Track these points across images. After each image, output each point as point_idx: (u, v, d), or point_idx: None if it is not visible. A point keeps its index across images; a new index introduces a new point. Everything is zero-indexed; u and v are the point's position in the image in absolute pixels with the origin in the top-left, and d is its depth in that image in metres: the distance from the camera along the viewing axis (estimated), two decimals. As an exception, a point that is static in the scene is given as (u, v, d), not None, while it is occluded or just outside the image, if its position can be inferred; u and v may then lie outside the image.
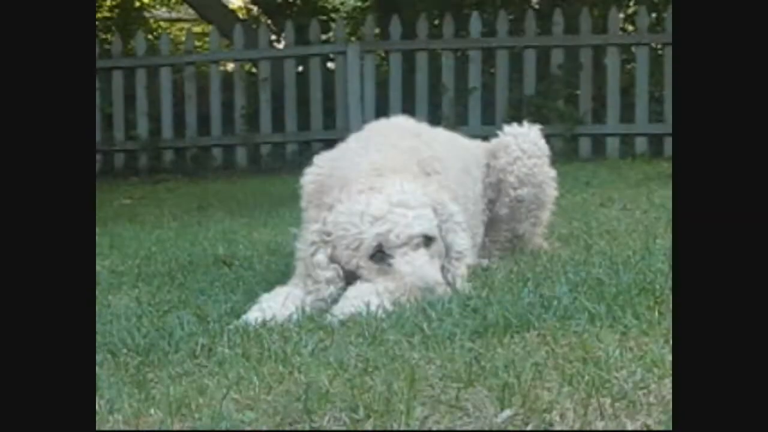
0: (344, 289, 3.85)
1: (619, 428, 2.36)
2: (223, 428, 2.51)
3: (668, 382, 2.58)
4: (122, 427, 2.60)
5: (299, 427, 2.50)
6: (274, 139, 11.08)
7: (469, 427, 2.44)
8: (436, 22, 11.33)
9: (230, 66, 12.16)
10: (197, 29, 15.69)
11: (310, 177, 4.28)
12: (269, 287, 4.03)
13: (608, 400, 2.49)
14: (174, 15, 19.24)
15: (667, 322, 3.07)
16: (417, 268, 3.75)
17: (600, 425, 2.39)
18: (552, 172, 4.83)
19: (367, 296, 3.66)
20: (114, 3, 15.65)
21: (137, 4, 16.78)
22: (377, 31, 11.28)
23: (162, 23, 18.00)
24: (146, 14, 17.41)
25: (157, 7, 19.04)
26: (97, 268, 4.91)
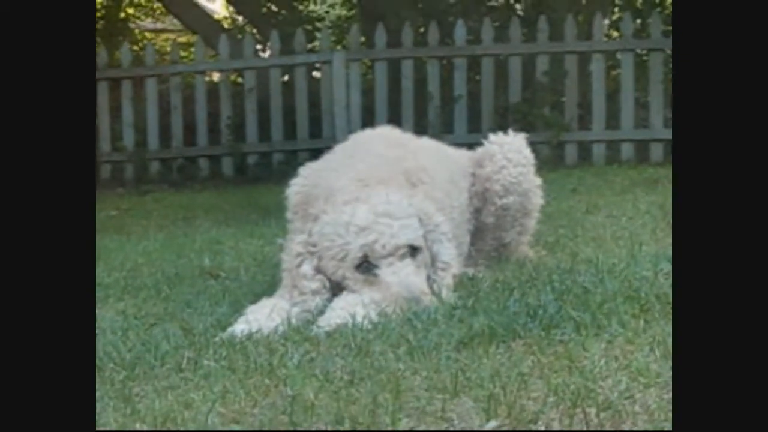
0: (330, 300, 3.85)
1: (605, 438, 2.37)
2: (209, 442, 2.51)
3: (654, 391, 2.59)
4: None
5: (285, 440, 2.51)
6: (260, 148, 11.07)
7: (455, 439, 2.45)
8: (422, 30, 11.34)
9: (216, 76, 12.16)
10: (182, 39, 15.69)
11: (296, 188, 4.29)
12: (255, 299, 4.02)
13: (594, 410, 2.49)
14: (159, 26, 19.23)
15: (653, 331, 3.08)
16: (403, 278, 3.75)
17: (585, 435, 2.39)
18: (537, 180, 4.84)
19: (353, 307, 3.65)
20: (99, 14, 15.62)
21: (122, 15, 16.76)
22: (362, 39, 11.27)
23: (147, 34, 17.98)
24: (131, 25, 17.39)
25: (142, 18, 19.03)
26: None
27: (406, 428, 2.49)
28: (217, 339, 3.53)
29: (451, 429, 2.49)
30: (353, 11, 15.09)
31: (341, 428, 2.51)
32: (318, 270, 3.93)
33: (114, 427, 2.68)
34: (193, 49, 12.45)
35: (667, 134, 9.96)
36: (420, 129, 6.20)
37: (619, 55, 11.01)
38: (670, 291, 3.38)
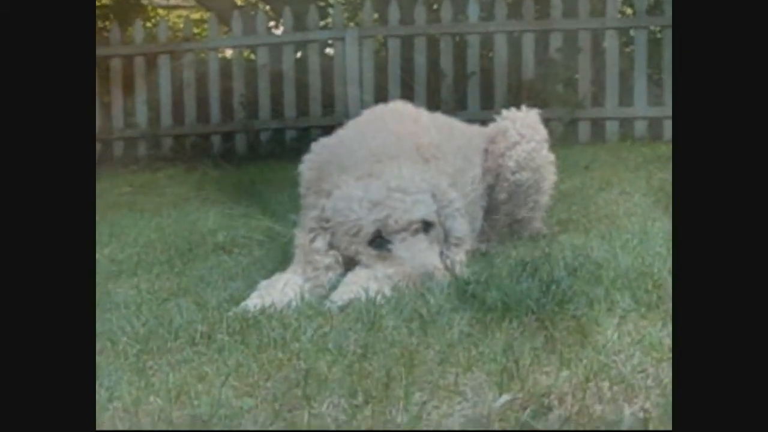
0: (343, 275, 3.86)
1: (618, 412, 2.37)
2: (222, 415, 2.52)
3: (666, 365, 2.59)
4: (122, 415, 2.61)
5: (298, 413, 2.51)
6: (273, 125, 11.06)
7: (468, 412, 2.45)
8: (435, 7, 11.30)
9: (229, 53, 12.14)
10: (195, 16, 15.66)
11: (309, 164, 4.28)
12: (268, 274, 4.03)
13: (606, 384, 2.50)
14: (172, 2, 19.20)
15: (666, 306, 3.08)
16: (416, 253, 3.75)
17: (598, 409, 2.39)
18: (551, 157, 4.83)
19: (366, 282, 3.66)
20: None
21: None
22: (375, 16, 11.24)
23: (160, 11, 17.94)
24: (144, 2, 17.36)
25: (156, -6, 19.01)
26: (97, 256, 4.91)
27: (419, 401, 2.49)
28: (230, 313, 3.54)
29: (464, 402, 2.50)
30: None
31: (354, 402, 2.52)
32: (331, 245, 3.93)
33: (127, 399, 2.69)
34: (206, 26, 12.43)
35: (681, 111, 9.92)
36: (433, 106, 6.17)
37: (632, 32, 10.96)
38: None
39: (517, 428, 2.33)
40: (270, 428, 2.44)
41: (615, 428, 2.32)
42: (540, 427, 2.32)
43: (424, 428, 2.38)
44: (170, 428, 2.51)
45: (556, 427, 2.32)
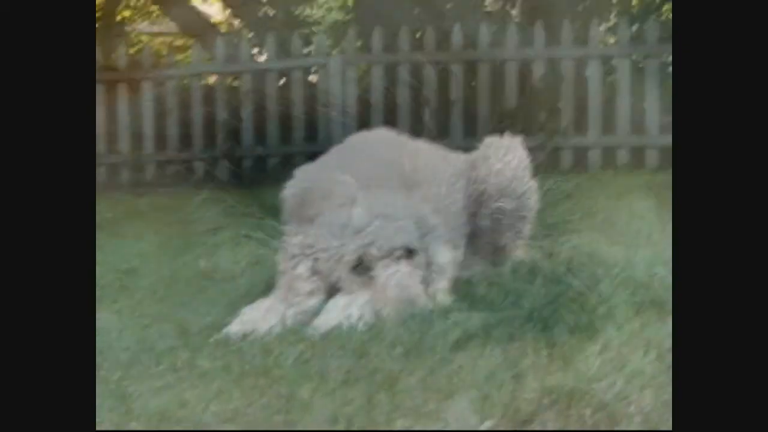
0: (326, 301, 3.85)
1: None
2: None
3: (649, 393, 2.59)
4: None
5: (280, 439, 2.51)
6: (256, 152, 11.05)
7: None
8: (417, 35, 11.33)
9: (212, 79, 12.14)
10: (179, 43, 15.69)
11: (292, 190, 4.28)
12: (251, 300, 4.02)
13: (589, 411, 2.50)
14: (155, 29, 19.22)
15: (648, 333, 3.08)
16: (398, 280, 3.75)
17: (580, 436, 2.40)
18: (533, 184, 4.83)
19: (348, 308, 3.66)
20: (96, 17, 15.63)
21: (119, 17, 16.75)
22: (359, 43, 11.27)
23: (143, 37, 17.97)
24: (127, 28, 17.39)
25: (139, 20, 19.02)
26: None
27: (402, 428, 2.49)
28: (212, 340, 3.53)
29: (447, 429, 2.50)
30: (350, 15, 15.09)
31: (337, 428, 2.52)
32: (314, 271, 3.93)
33: (109, 426, 2.68)
34: (189, 52, 12.44)
35: (663, 140, 9.93)
36: (416, 133, 6.17)
37: (614, 61, 11.00)
38: (666, 294, 3.39)
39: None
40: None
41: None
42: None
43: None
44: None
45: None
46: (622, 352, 2.94)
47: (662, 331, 3.09)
